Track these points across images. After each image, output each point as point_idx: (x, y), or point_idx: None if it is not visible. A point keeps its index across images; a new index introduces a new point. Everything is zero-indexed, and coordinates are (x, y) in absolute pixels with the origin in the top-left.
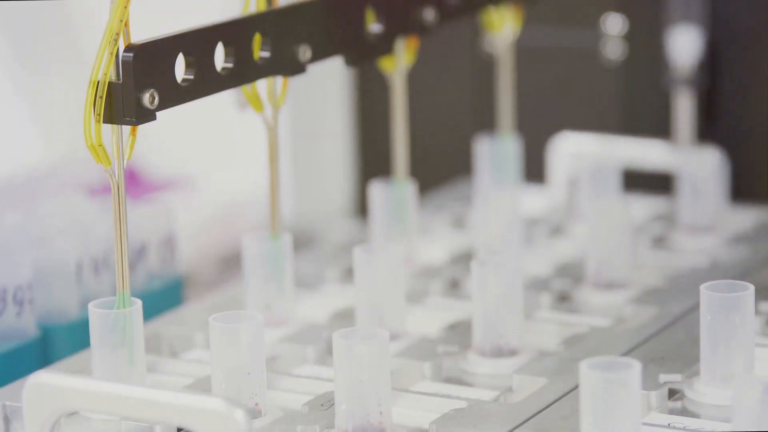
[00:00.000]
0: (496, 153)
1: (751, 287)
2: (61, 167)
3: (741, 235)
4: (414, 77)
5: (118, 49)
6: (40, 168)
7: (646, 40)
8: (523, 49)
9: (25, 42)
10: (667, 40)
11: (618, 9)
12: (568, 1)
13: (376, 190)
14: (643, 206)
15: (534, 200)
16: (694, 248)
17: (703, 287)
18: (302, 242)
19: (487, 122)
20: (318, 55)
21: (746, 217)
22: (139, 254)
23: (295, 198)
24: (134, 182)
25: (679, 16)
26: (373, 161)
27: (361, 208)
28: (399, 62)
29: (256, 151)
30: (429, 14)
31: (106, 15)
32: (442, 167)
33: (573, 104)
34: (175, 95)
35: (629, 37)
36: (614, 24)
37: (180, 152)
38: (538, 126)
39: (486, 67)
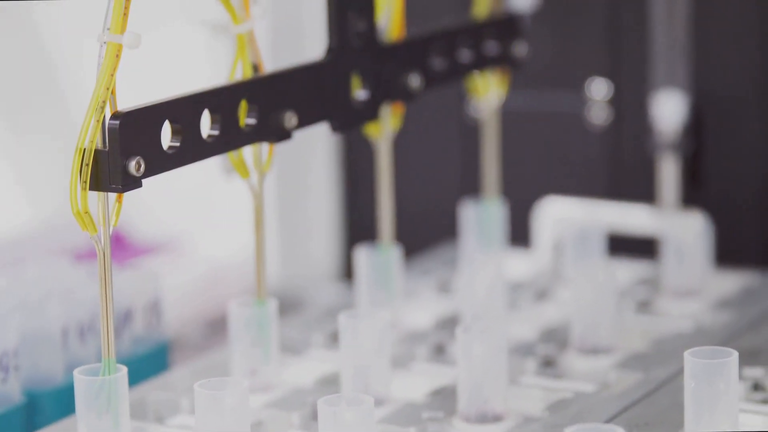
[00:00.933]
0: (482, 217)
1: (735, 353)
2: (46, 232)
3: (726, 299)
4: (400, 141)
5: (104, 116)
6: (26, 232)
7: (630, 105)
8: (508, 113)
9: (12, 106)
10: (651, 104)
11: (603, 74)
12: (553, 66)
13: (362, 254)
14: (628, 270)
15: (519, 264)
16: (678, 313)
17: (687, 353)
18: (288, 306)
19: (472, 186)
20: (304, 122)
21: (731, 282)
22: (124, 319)
23: (281, 261)
24: (120, 246)
25: (663, 80)
26: (358, 225)
27: (347, 272)
28: (385, 128)
29: (242, 213)
30: (414, 80)
31: (93, 80)
32: (427, 231)
33: (558, 168)
34: (161, 162)
35: (614, 102)
36: (599, 88)
37: (166, 216)
38: (523, 190)
39: (471, 131)
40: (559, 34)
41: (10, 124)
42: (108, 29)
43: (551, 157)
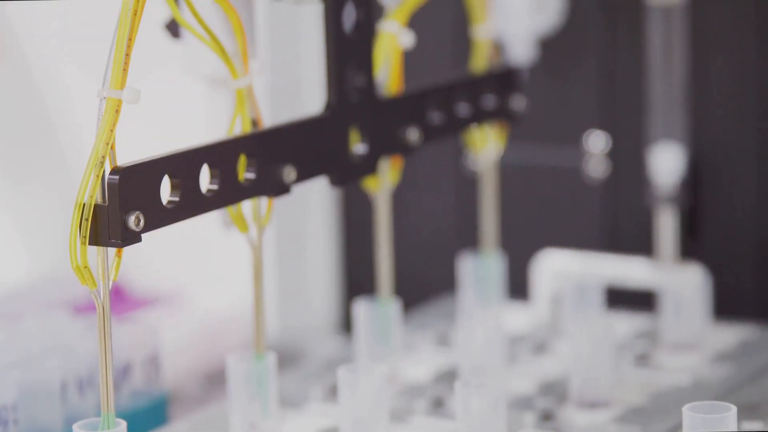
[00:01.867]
0: (480, 270)
1: (733, 408)
2: (45, 284)
3: (724, 353)
4: (398, 193)
5: (104, 171)
6: (24, 285)
7: (628, 158)
8: (506, 167)
9: (11, 158)
10: (649, 157)
11: (600, 127)
12: (551, 119)
13: (361, 307)
14: (626, 324)
15: (517, 317)
16: (677, 366)
17: (685, 408)
18: (287, 358)
19: (470, 239)
20: (303, 176)
21: (729, 335)
22: (123, 373)
23: (280, 313)
24: (119, 298)
25: (661, 134)
26: (357, 278)
27: (346, 325)
28: (383, 182)
29: (240, 265)
30: (413, 134)
31: (93, 132)
32: (425, 284)
33: (556, 221)
34: (160, 217)
35: (612, 155)
36: (597, 142)
37: (164, 268)
38: (521, 243)
39: (469, 183)
40: (556, 88)
41: (9, 176)
42: (107, 84)
43: (549, 210)
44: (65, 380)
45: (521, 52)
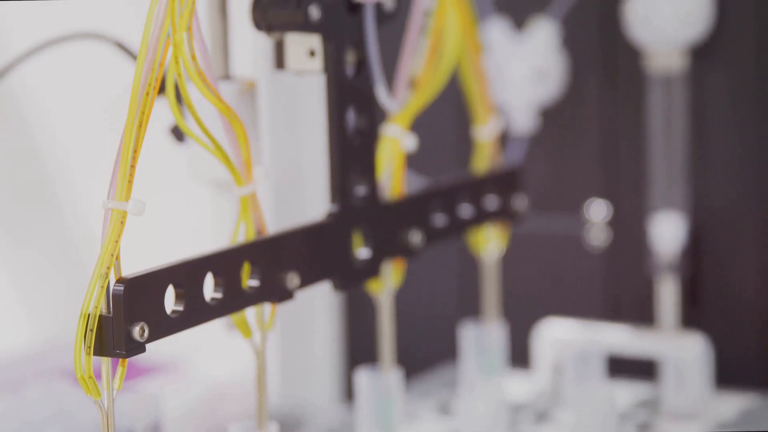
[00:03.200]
0: (481, 339)
1: None
2: (46, 352)
3: (726, 422)
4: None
5: (108, 282)
6: (26, 353)
7: (629, 227)
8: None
9: (13, 225)
10: (650, 226)
11: (601, 196)
12: (552, 188)
13: (363, 377)
14: (628, 392)
15: (519, 386)
16: None
17: None
18: (289, 428)
19: (472, 308)
20: (306, 282)
21: (731, 404)
22: None
23: (282, 382)
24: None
25: (661, 202)
26: (359, 348)
27: (348, 394)
28: (386, 284)
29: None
30: (415, 237)
31: (97, 212)
32: (427, 353)
33: (557, 290)
34: (164, 327)
35: (613, 224)
36: (598, 210)
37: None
38: (522, 312)
39: (471, 252)
40: (557, 157)
41: (11, 243)
42: (112, 196)
43: (550, 278)
44: None
45: (523, 121)
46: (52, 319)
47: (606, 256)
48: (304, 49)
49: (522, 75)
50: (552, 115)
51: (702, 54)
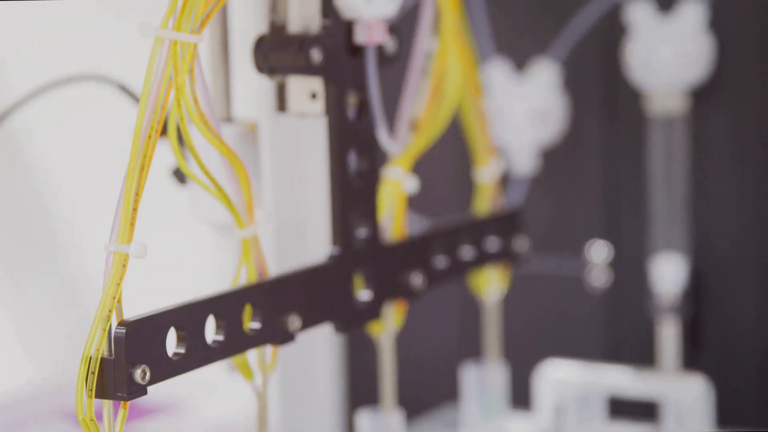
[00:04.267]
0: (483, 380)
1: None
2: (47, 393)
3: None
4: None
5: (110, 325)
6: (27, 394)
7: (630, 268)
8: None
9: (13, 265)
10: (651, 267)
11: (603, 236)
12: (553, 229)
13: (364, 418)
14: None
15: (520, 427)
16: None
17: None
18: None
19: (473, 349)
20: (307, 324)
21: None
22: None
23: (283, 424)
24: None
25: (662, 244)
26: (360, 389)
27: None
28: (387, 325)
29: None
30: (417, 279)
31: (98, 252)
32: (428, 394)
33: (558, 331)
34: (166, 370)
35: (614, 265)
36: (599, 251)
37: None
38: (524, 352)
39: (472, 293)
40: (558, 198)
41: (12, 284)
42: (114, 239)
43: (552, 319)
44: None
45: (524, 162)
46: (52, 360)
47: (607, 297)
48: (306, 91)
49: (523, 116)
50: (553, 157)
51: (702, 96)
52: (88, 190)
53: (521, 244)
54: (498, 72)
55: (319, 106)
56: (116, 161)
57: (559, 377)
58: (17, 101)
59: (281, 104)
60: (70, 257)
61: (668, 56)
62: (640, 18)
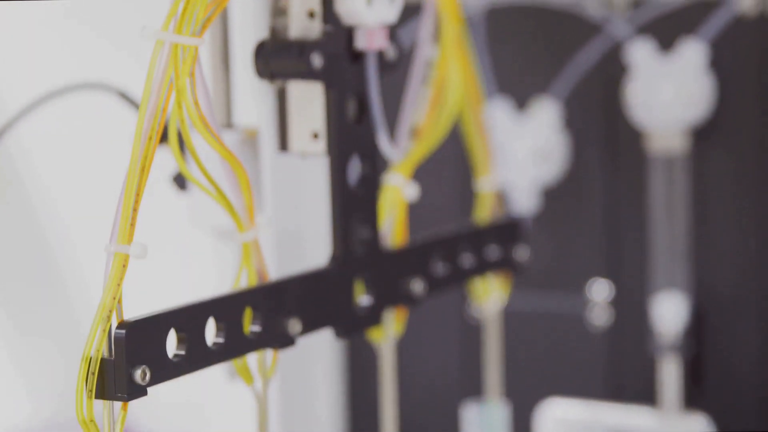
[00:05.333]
0: (484, 418)
1: None
2: (47, 429)
3: None
4: (402, 341)
5: (110, 325)
6: (26, 429)
7: (631, 306)
8: (509, 314)
9: (13, 302)
10: (652, 306)
11: (604, 275)
12: (554, 267)
13: None
14: None
15: None
16: None
17: None
18: None
19: (474, 387)
20: (308, 328)
21: None
22: None
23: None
24: None
25: (664, 282)
26: (361, 425)
27: None
28: (388, 333)
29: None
30: (417, 286)
31: (98, 278)
32: None
33: (559, 370)
34: (166, 371)
35: (615, 303)
36: (600, 290)
37: (168, 413)
38: (525, 391)
39: (473, 331)
40: (559, 236)
41: (12, 320)
42: (115, 239)
43: (553, 358)
44: None
45: (525, 201)
46: (52, 397)
47: (608, 335)
48: (308, 131)
49: (524, 155)
50: (554, 195)
51: (703, 135)
52: (88, 222)
53: (522, 253)
54: (499, 110)
55: (320, 146)
56: (115, 174)
57: (560, 416)
58: (19, 112)
59: (282, 144)
60: (71, 294)
61: (669, 96)
62: (641, 57)
